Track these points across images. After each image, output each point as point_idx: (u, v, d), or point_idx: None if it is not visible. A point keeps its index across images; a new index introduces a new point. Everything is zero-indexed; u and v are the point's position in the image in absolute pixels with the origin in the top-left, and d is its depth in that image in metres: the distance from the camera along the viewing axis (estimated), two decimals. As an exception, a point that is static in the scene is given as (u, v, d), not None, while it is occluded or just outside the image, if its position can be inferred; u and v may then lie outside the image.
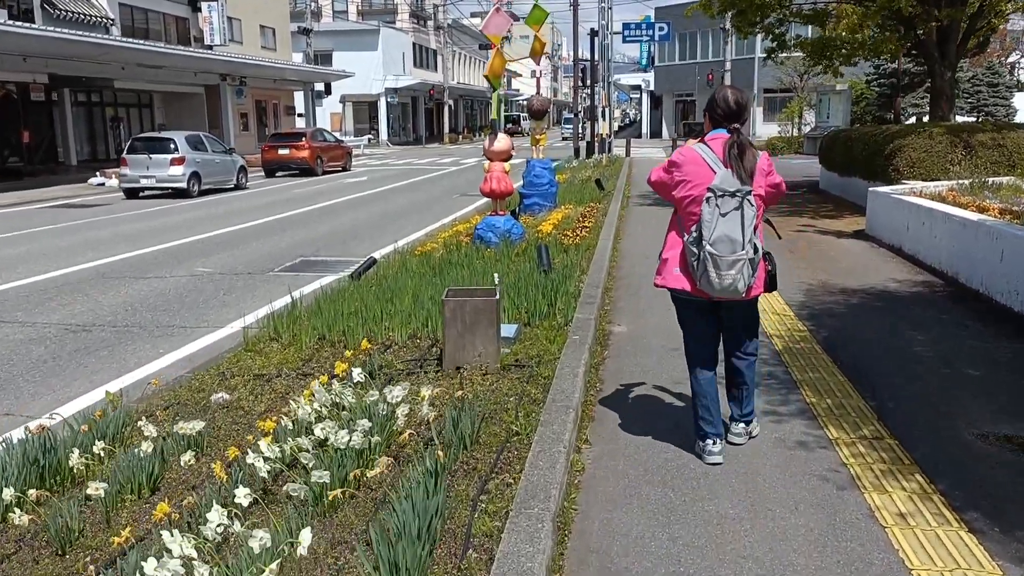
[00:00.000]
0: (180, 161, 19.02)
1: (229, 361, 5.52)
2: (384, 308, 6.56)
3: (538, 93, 13.42)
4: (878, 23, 11.76)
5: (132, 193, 19.58)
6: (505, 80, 79.23)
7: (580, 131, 32.92)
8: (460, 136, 61.76)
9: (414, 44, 57.92)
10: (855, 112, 29.29)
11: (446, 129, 60.01)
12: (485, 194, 9.81)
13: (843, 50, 12.98)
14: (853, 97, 29.15)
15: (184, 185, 19.10)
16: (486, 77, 9.51)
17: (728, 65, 42.16)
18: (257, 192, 20.96)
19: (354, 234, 12.80)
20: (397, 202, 17.63)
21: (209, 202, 18.47)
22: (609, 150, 30.06)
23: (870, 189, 10.62)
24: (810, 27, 16.58)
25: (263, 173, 27.15)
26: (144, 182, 19.17)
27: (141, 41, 26.07)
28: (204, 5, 33.03)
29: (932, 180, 11.37)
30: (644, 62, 57.44)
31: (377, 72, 50.78)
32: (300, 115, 41.99)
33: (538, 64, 13.52)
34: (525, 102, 13.35)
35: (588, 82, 31.76)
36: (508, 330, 5.74)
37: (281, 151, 26.30)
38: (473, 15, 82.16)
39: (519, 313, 6.37)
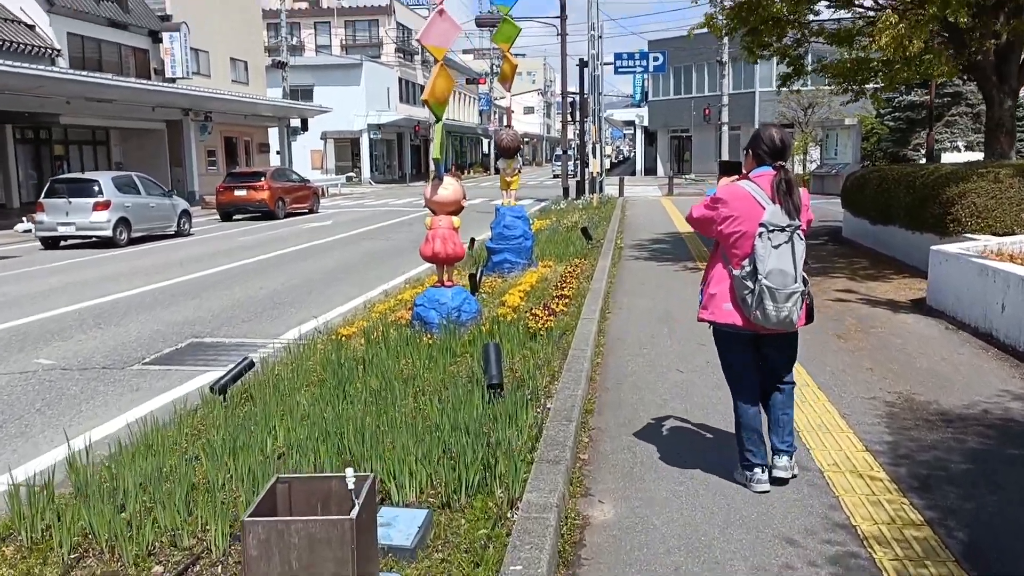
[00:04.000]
0: (104, 206, 16.52)
1: None
2: (227, 464, 4.06)
3: (508, 126, 10.97)
4: (926, 38, 9.37)
5: (50, 243, 17.04)
6: (497, 116, 77.41)
7: (569, 169, 30.57)
8: (447, 174, 59.48)
9: (400, 79, 55.95)
10: (866, 149, 27.03)
11: (432, 167, 57.80)
12: (427, 258, 7.31)
13: (883, 71, 10.60)
14: (863, 132, 26.90)
15: (109, 233, 16.57)
16: (425, 102, 7.03)
17: (725, 99, 40.06)
18: (199, 240, 18.44)
19: (278, 300, 10.26)
20: (352, 253, 15.12)
21: (136, 253, 15.93)
22: (600, 189, 27.68)
23: (934, 249, 8.13)
24: (827, 49, 14.28)
25: (219, 217, 24.70)
26: (62, 230, 16.64)
27: (82, 72, 23.70)
28: (165, 36, 30.83)
29: (1005, 234, 8.92)
30: (637, 97, 55.55)
31: (360, 108, 48.64)
32: (278, 152, 39.68)
33: (508, 91, 11.11)
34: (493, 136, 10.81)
35: (578, 117, 29.47)
36: (404, 528, 3.26)
37: (238, 192, 23.82)
38: (465, 52, 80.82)
39: (433, 480, 3.84)
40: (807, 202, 3.79)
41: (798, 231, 3.70)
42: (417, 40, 7.89)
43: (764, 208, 3.67)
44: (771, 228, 3.64)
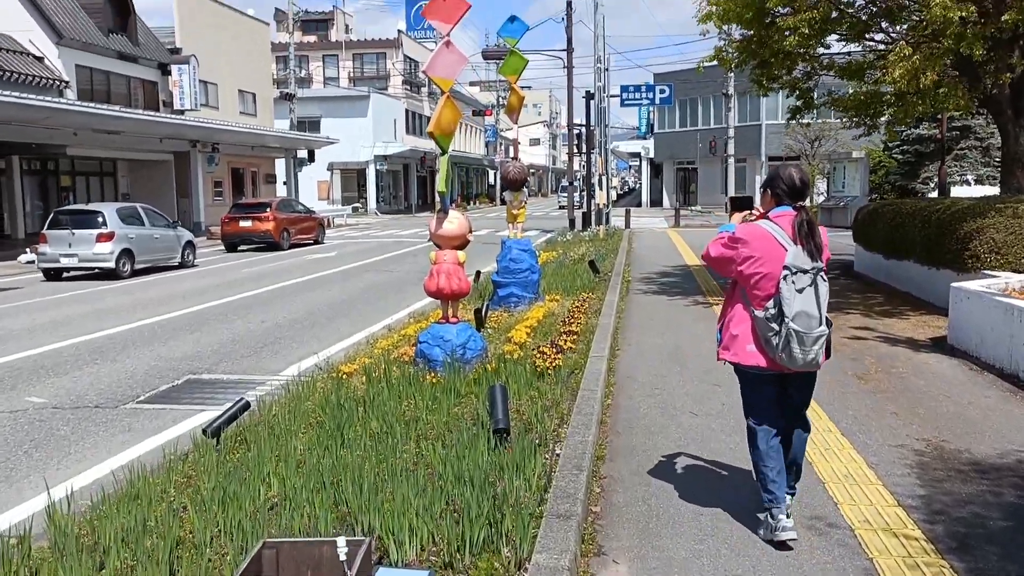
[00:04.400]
0: (108, 237, 16.37)
1: None
2: (216, 517, 3.82)
3: (515, 158, 10.81)
4: (941, 70, 9.20)
5: (52, 274, 16.87)
6: (503, 147, 77.64)
7: (576, 200, 30.46)
8: (453, 205, 59.54)
9: (407, 110, 56.20)
10: (874, 181, 26.84)
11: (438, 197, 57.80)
12: (431, 294, 7.09)
13: (896, 104, 10.41)
14: (871, 165, 26.73)
15: (112, 265, 16.40)
16: (431, 134, 6.86)
17: (731, 132, 40.04)
18: (202, 272, 18.27)
19: (279, 334, 10.04)
20: (355, 286, 14.91)
21: (139, 285, 15.76)
22: (607, 221, 27.54)
23: (954, 286, 7.89)
24: (836, 82, 14.15)
25: (223, 247, 24.59)
26: (65, 261, 16.48)
27: (89, 104, 23.75)
28: (174, 68, 30.97)
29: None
30: (643, 129, 55.75)
31: (367, 139, 48.81)
32: (284, 183, 39.71)
33: (515, 123, 10.96)
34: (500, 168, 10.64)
35: (584, 148, 29.42)
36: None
37: (243, 223, 23.73)
38: (472, 84, 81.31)
39: (435, 537, 3.59)
40: (826, 241, 3.73)
41: (821, 273, 3.65)
42: (423, 72, 7.85)
43: (786, 249, 3.61)
44: (795, 270, 3.58)
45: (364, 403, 5.81)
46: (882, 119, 11.91)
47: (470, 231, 7.14)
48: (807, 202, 3.96)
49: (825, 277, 3.66)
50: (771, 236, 3.65)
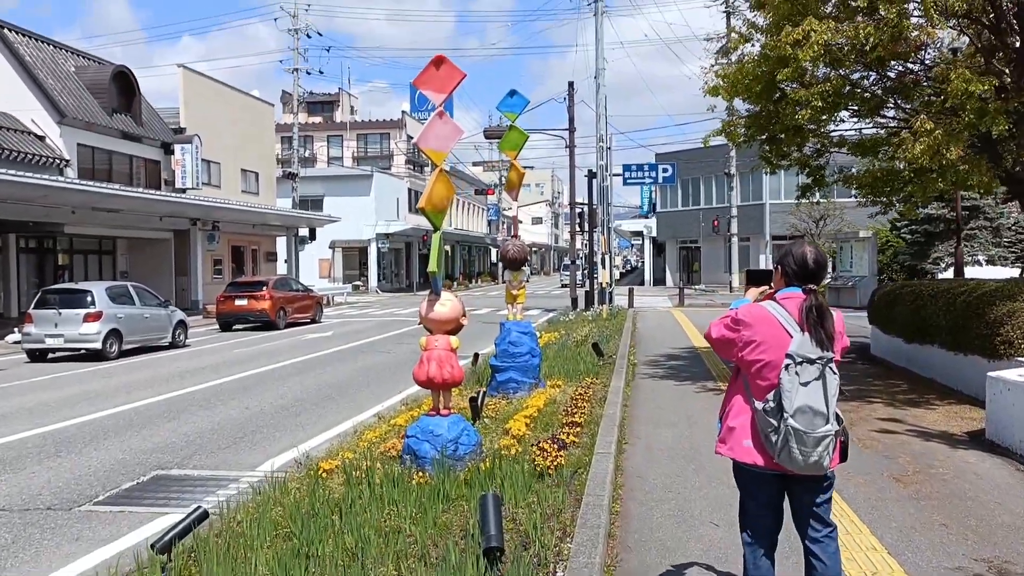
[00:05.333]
0: (96, 317, 15.84)
1: None
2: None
3: (515, 236, 10.33)
4: (966, 145, 8.78)
5: (37, 355, 16.28)
6: (505, 226, 78.04)
7: (578, 279, 30.05)
8: (456, 283, 59.36)
9: (409, 189, 56.48)
10: (882, 261, 26.42)
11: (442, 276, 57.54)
12: (421, 383, 6.47)
13: (915, 181, 9.95)
14: (879, 245, 26.38)
15: (98, 345, 15.82)
16: (421, 210, 6.36)
17: (735, 211, 39.99)
18: (193, 352, 17.66)
19: (261, 423, 9.37)
20: (348, 369, 14.28)
21: (124, 367, 15.13)
22: (610, 300, 27.02)
23: (991, 376, 7.26)
24: (845, 159, 13.81)
25: (218, 327, 24.05)
26: (50, 342, 15.91)
27: (88, 182, 23.58)
28: (177, 147, 31.03)
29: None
30: (645, 208, 55.87)
31: (370, 217, 48.85)
32: (285, 261, 39.47)
33: (515, 199, 10.51)
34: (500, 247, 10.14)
35: (586, 227, 29.15)
36: None
37: (238, 302, 23.23)
38: (475, 164, 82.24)
39: None
40: (841, 328, 3.32)
41: (831, 364, 3.21)
42: (415, 144, 7.53)
43: (791, 336, 3.21)
44: (799, 360, 3.17)
45: (340, 510, 5.15)
46: (898, 197, 11.45)
47: (464, 315, 6.55)
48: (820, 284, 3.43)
49: (836, 370, 3.22)
50: (775, 320, 3.26)
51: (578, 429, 7.39)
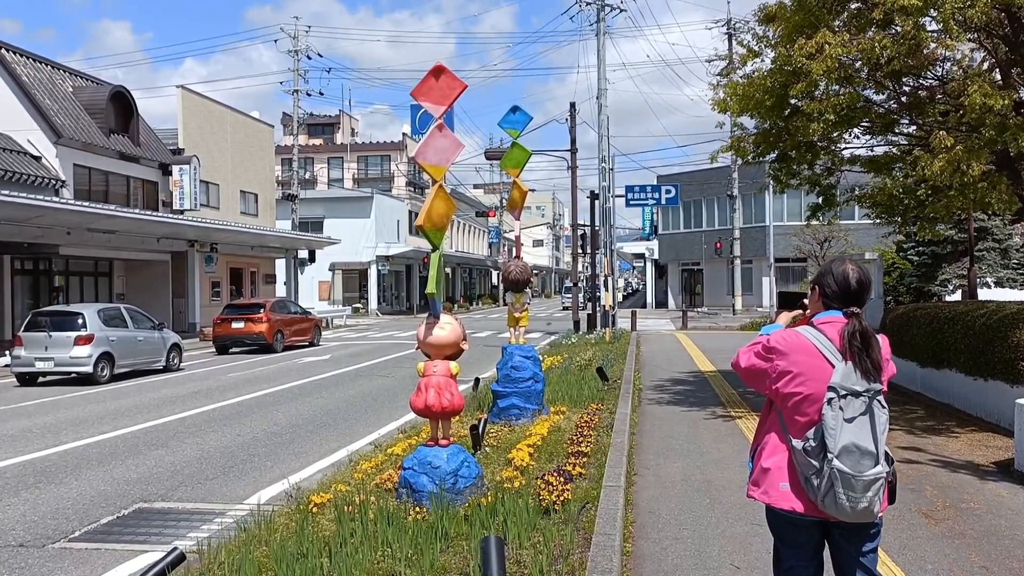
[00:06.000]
0: (87, 340, 15.46)
1: None
2: None
3: (517, 257, 9.97)
4: (988, 160, 8.46)
5: (27, 379, 15.88)
6: (506, 247, 77.76)
7: (580, 301, 29.67)
8: (456, 305, 59.00)
9: (410, 211, 56.23)
10: (888, 283, 26.05)
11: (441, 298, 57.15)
12: (418, 411, 6.10)
13: (933, 200, 9.59)
14: (884, 267, 26.01)
15: (89, 369, 15.43)
16: (420, 228, 6.01)
17: (737, 233, 39.67)
18: (186, 376, 17.25)
19: (252, 451, 8.97)
20: (345, 394, 13.87)
21: (115, 392, 14.72)
22: (613, 323, 26.63)
23: (1020, 402, 6.87)
24: (856, 179, 13.50)
25: (215, 350, 23.66)
26: (40, 365, 15.52)
27: (82, 203, 23.29)
28: (175, 168, 30.78)
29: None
30: (647, 230, 55.58)
31: (370, 239, 48.57)
32: (284, 283, 39.11)
33: (517, 219, 10.18)
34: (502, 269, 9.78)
35: (588, 249, 28.83)
36: None
37: (235, 324, 22.86)
38: (476, 186, 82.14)
39: None
40: (887, 354, 2.93)
41: (879, 397, 2.81)
42: (413, 158, 7.27)
43: (833, 366, 2.83)
44: (843, 393, 2.78)
45: (331, 550, 4.76)
46: (912, 216, 11.09)
47: (465, 339, 6.19)
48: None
49: (884, 403, 2.83)
50: (814, 348, 2.88)
51: (584, 459, 7.00)
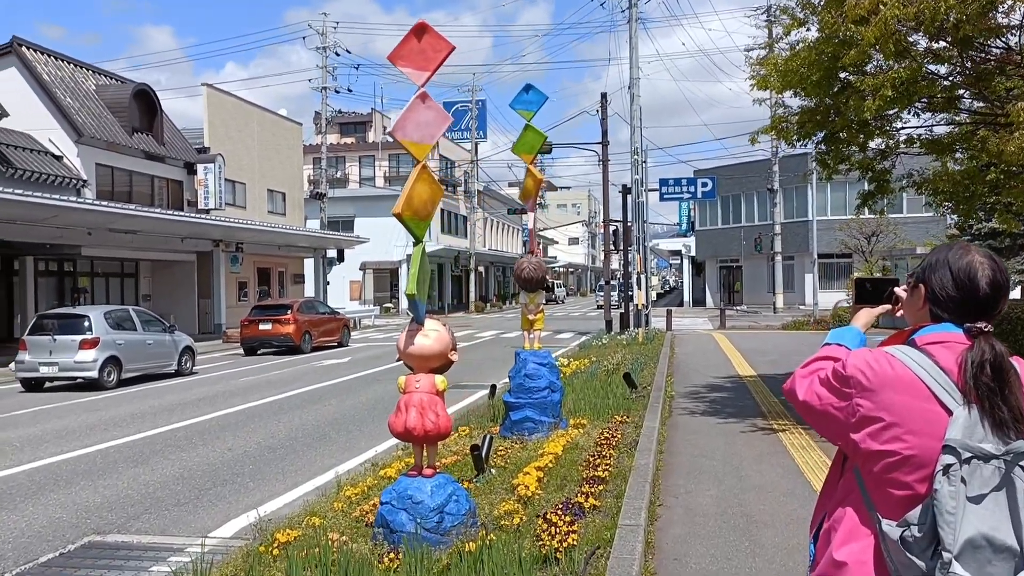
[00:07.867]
0: (92, 344, 14.81)
1: None
2: None
3: (531, 253, 8.96)
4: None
5: (32, 384, 15.28)
6: (540, 245, 76.80)
7: (613, 299, 28.56)
8: (489, 304, 58.13)
9: (442, 209, 55.46)
10: (939, 279, 24.57)
11: (473, 297, 56.41)
12: (397, 435, 5.17)
13: (1010, 184, 8.36)
14: (936, 261, 24.54)
15: (95, 374, 14.77)
16: (397, 216, 5.03)
17: (778, 228, 38.18)
18: (197, 381, 16.53)
19: (237, 470, 8.10)
20: (356, 401, 12.99)
21: (118, 398, 14.02)
22: (647, 323, 25.49)
23: None
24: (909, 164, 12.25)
25: (243, 351, 23.06)
26: (44, 370, 14.90)
27: (101, 202, 22.80)
28: (200, 167, 30.33)
29: None
30: (684, 226, 54.17)
31: (400, 238, 47.85)
32: (325, 283, 38.54)
33: (532, 209, 9.18)
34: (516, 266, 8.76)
35: (621, 245, 27.70)
36: None
37: (263, 326, 22.23)
38: (511, 184, 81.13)
39: None
40: None
41: (1022, 462, 1.74)
42: (389, 134, 6.51)
43: (949, 412, 1.76)
44: (966, 456, 1.72)
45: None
46: (980, 204, 9.87)
47: (454, 348, 5.22)
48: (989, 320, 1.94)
49: None
50: (919, 382, 1.80)
51: (601, 487, 6.00)
